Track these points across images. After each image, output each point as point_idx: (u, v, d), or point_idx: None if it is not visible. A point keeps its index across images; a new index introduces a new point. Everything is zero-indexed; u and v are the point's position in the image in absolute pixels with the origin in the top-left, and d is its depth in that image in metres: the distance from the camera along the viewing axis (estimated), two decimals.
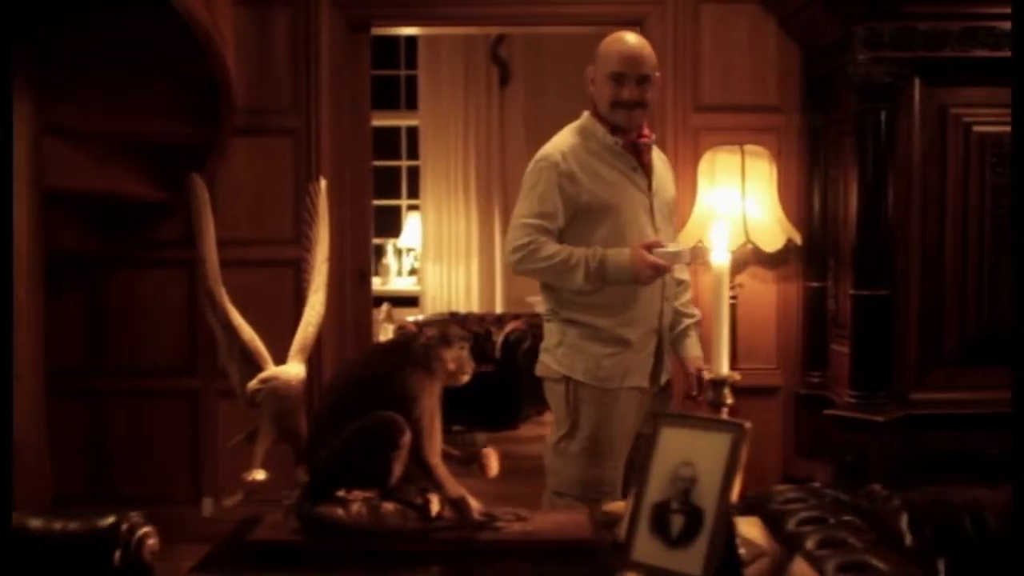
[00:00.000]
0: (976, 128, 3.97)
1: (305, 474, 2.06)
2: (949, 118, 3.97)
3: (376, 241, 8.47)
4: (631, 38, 3.02)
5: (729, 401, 1.69)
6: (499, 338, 6.91)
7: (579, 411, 2.95)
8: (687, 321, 3.14)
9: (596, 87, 2.98)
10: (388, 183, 8.55)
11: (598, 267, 2.83)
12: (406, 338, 2.15)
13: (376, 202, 8.45)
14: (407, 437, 1.96)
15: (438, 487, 2.01)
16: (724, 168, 4.15)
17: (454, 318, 7.52)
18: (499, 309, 7.78)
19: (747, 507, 2.21)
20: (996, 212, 3.97)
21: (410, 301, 8.12)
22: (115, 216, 4.33)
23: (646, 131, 3.04)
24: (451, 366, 2.05)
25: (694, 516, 1.56)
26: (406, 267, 8.47)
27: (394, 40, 8.14)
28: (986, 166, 3.97)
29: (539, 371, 3.07)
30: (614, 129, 2.95)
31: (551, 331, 3.03)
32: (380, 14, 4.59)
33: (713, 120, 4.50)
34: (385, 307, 6.23)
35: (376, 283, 8.36)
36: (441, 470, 2.01)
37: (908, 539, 2.24)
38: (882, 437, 3.86)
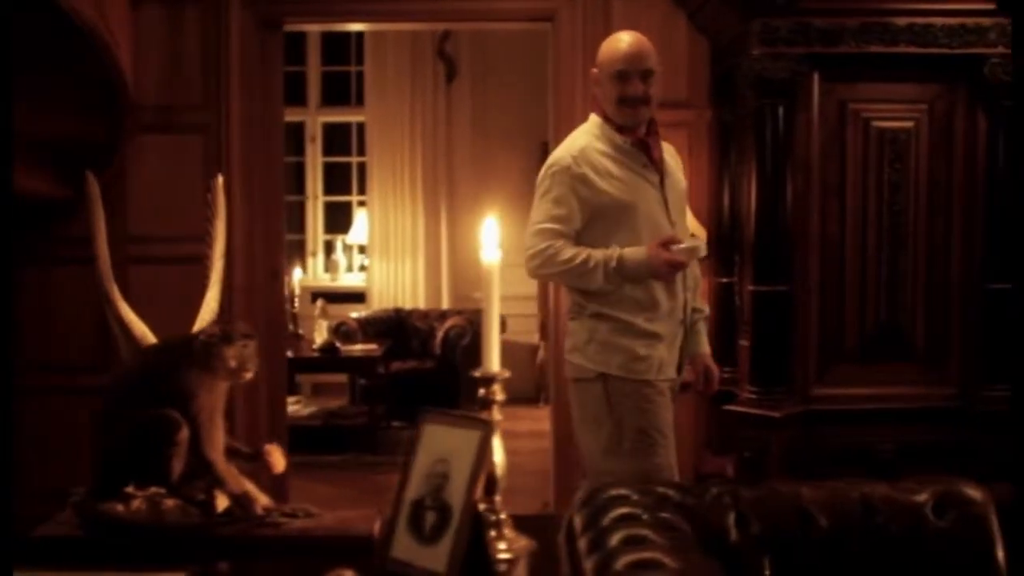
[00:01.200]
0: (875, 123, 3.98)
1: None
2: (848, 113, 3.98)
3: (326, 237, 8.49)
4: (631, 36, 3.02)
5: (499, 397, 1.69)
6: (439, 334, 6.91)
7: (621, 407, 2.90)
8: (696, 316, 3.12)
9: (601, 87, 3.00)
10: (339, 179, 8.54)
11: (616, 267, 2.83)
12: (187, 336, 2.14)
13: (327, 198, 8.50)
14: (184, 433, 1.96)
15: (219, 483, 2.00)
16: None
17: (398, 314, 7.53)
18: (445, 305, 7.78)
19: (582, 504, 2.21)
20: (894, 208, 3.98)
21: (358, 297, 8.12)
22: (23, 214, 4.31)
23: (655, 128, 3.05)
24: (232, 363, 2.03)
25: (444, 513, 1.56)
26: (356, 263, 8.46)
27: (345, 36, 8.13)
28: (884, 161, 3.98)
29: (570, 372, 3.01)
30: (621, 128, 2.96)
31: (578, 329, 2.98)
32: (291, 11, 4.58)
33: None
34: (320, 303, 6.22)
35: (326, 279, 8.38)
36: (221, 466, 2.00)
37: (734, 536, 2.25)
38: (781, 433, 3.87)
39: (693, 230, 4.20)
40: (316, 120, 8.42)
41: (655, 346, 2.91)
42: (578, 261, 2.85)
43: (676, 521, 2.14)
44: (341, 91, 8.45)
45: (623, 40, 3.00)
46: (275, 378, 4.65)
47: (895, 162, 3.96)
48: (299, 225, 8.43)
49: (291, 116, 8.38)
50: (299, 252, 8.43)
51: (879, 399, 3.96)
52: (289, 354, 6.04)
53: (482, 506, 1.82)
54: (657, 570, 1.76)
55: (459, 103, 7.97)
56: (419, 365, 6.91)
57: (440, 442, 1.62)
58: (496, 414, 1.73)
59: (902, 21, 3.86)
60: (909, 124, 3.98)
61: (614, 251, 2.85)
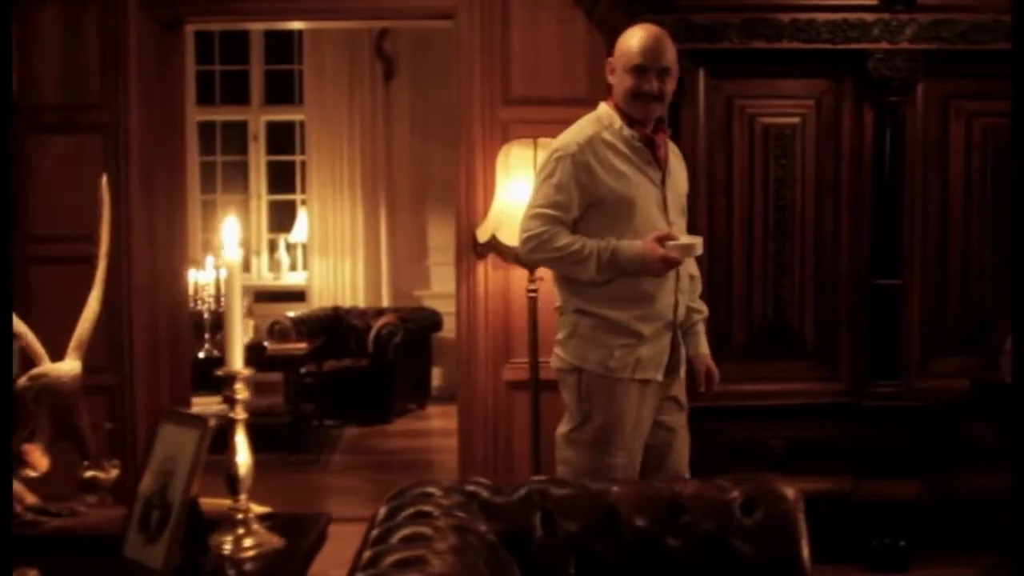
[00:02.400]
0: (761, 119, 3.99)
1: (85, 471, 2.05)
2: (735, 109, 3.99)
3: (271, 236, 8.49)
4: (652, 30, 2.99)
5: (241, 396, 1.68)
6: (372, 333, 6.91)
7: (591, 401, 2.92)
8: (696, 317, 3.12)
9: (615, 78, 2.97)
10: (285, 178, 8.53)
11: (610, 258, 2.83)
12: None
13: (271, 197, 8.49)
14: None
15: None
16: (517, 162, 4.14)
17: (336, 313, 7.52)
18: (385, 303, 7.78)
19: (389, 499, 2.23)
20: (780, 204, 3.99)
21: (299, 296, 8.12)
22: None
23: (664, 126, 3.04)
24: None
25: (166, 511, 1.56)
26: (300, 262, 8.46)
27: (288, 35, 8.12)
28: (770, 157, 3.98)
29: (553, 363, 3.04)
30: (631, 122, 2.94)
31: (563, 324, 3.01)
32: (190, 11, 4.56)
33: (523, 113, 4.48)
34: (245, 303, 6.20)
35: (269, 278, 8.38)
36: None
37: (539, 535, 2.25)
38: None
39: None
40: (259, 119, 8.41)
41: (635, 346, 2.91)
42: (573, 249, 2.85)
43: (469, 520, 2.14)
44: (285, 90, 8.44)
45: (644, 34, 2.97)
46: (177, 378, 4.65)
47: (781, 158, 3.97)
48: (243, 224, 8.42)
49: (234, 115, 8.44)
50: (243, 251, 8.42)
51: (769, 395, 3.97)
52: (215, 353, 6.06)
53: (228, 504, 1.83)
54: (415, 568, 1.77)
55: (397, 102, 7.97)
56: (353, 363, 6.91)
57: (172, 442, 1.63)
58: (240, 412, 1.73)
59: (785, 17, 3.86)
60: (795, 120, 3.98)
61: (609, 242, 2.85)
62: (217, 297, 6.16)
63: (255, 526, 1.74)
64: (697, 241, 2.94)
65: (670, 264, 2.85)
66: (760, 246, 3.98)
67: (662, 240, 2.83)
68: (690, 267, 3.09)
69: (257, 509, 1.92)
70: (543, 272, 4.34)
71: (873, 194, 3.97)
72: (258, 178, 8.42)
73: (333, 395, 6.76)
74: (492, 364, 4.52)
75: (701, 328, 3.15)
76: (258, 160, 8.40)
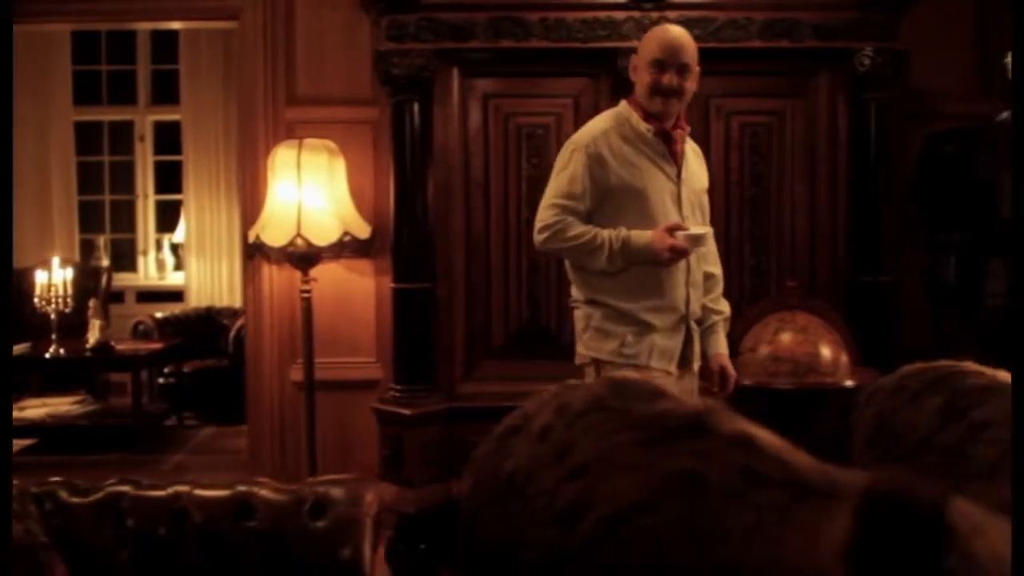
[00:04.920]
0: (517, 119, 3.98)
1: None
2: (490, 108, 3.97)
3: (157, 236, 8.48)
4: (674, 28, 3.04)
5: None
6: (232, 332, 6.90)
7: None
8: (715, 317, 3.12)
9: (637, 74, 3.01)
10: (173, 178, 8.51)
11: (621, 247, 2.86)
12: None
13: (158, 197, 8.48)
14: None
15: None
16: (283, 163, 4.12)
17: (208, 312, 7.52)
18: None
19: None
20: (533, 203, 3.95)
21: (179, 295, 8.12)
22: None
23: (683, 123, 3.06)
24: None
25: None
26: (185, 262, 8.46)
27: (174, 35, 8.10)
28: (526, 156, 3.97)
29: (576, 360, 3.06)
30: (648, 116, 2.96)
31: (577, 318, 3.05)
32: None
33: (308, 113, 4.46)
34: (93, 303, 6.20)
35: (155, 278, 8.37)
36: None
37: (96, 536, 2.25)
38: (417, 431, 3.86)
39: (347, 227, 4.20)
40: (145, 119, 8.40)
41: (648, 334, 2.93)
42: (585, 238, 2.89)
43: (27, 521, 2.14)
44: (173, 90, 8.42)
45: (666, 30, 3.03)
46: None
47: (533, 157, 3.95)
48: (131, 224, 8.43)
49: (120, 115, 8.43)
50: (130, 251, 8.43)
51: (528, 395, 3.94)
52: (62, 353, 6.06)
53: None
54: None
55: None
56: (216, 363, 6.90)
57: None
58: None
59: (533, 16, 3.84)
60: (550, 119, 3.96)
61: (620, 231, 2.88)
62: (64, 298, 6.14)
63: None
64: (707, 231, 2.97)
65: (679, 253, 2.88)
66: (515, 246, 3.96)
67: (672, 230, 2.86)
68: (707, 263, 3.11)
69: None
70: (317, 272, 4.35)
71: None
72: (145, 178, 8.41)
73: (193, 395, 6.76)
74: (278, 364, 4.51)
75: (721, 328, 3.15)
76: (145, 160, 8.39)
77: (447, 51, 3.86)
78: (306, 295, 4.23)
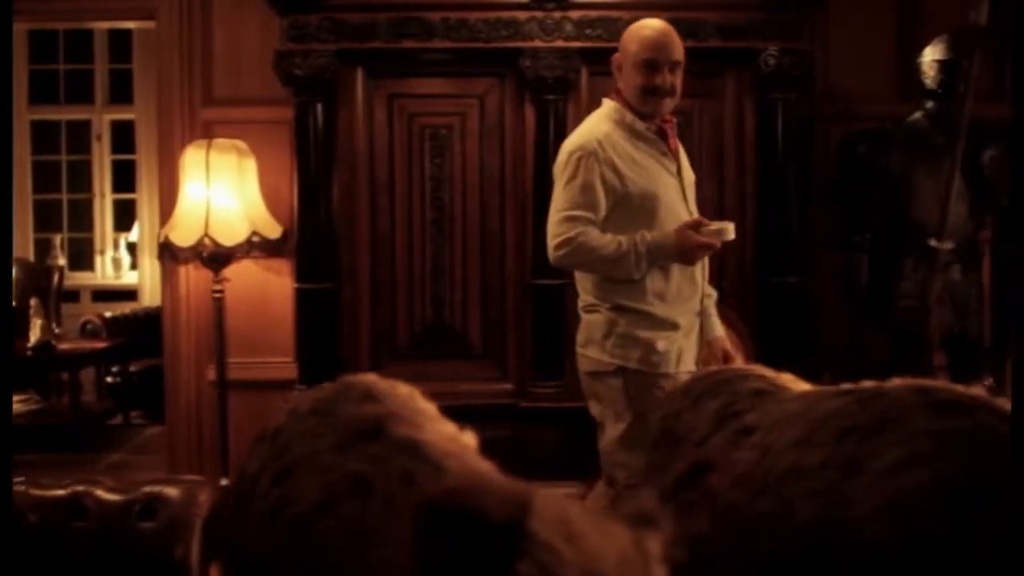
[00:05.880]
0: (422, 119, 3.98)
1: None
2: (395, 109, 3.97)
3: (115, 235, 8.48)
4: (660, 24, 2.91)
5: None
6: None
7: (643, 400, 2.79)
8: (706, 301, 3.04)
9: (623, 74, 2.89)
10: (129, 177, 8.49)
11: (647, 252, 2.76)
12: None
13: (115, 196, 8.48)
14: None
15: None
16: (192, 163, 4.12)
17: (159, 311, 7.50)
18: None
19: None
20: (437, 203, 3.97)
21: (133, 294, 8.12)
22: None
23: (670, 116, 2.96)
24: None
25: None
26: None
27: (127, 33, 8.09)
28: (431, 156, 3.97)
29: (586, 366, 2.91)
30: (640, 116, 2.88)
31: (596, 323, 2.88)
32: None
33: (226, 114, 4.46)
34: (34, 302, 6.20)
35: (111, 277, 8.37)
36: None
37: None
38: None
39: (256, 227, 4.19)
40: (102, 118, 8.39)
41: (674, 337, 2.85)
42: (609, 250, 2.76)
43: None
44: (129, 89, 8.41)
45: (652, 28, 2.88)
46: None
47: (436, 158, 3.95)
48: (88, 223, 8.44)
49: (76, 114, 8.42)
50: (88, 250, 8.43)
51: (435, 396, 3.91)
52: None
53: None
54: None
55: None
56: (162, 362, 6.88)
57: None
58: None
59: (435, 16, 3.84)
60: (455, 119, 3.96)
61: (642, 236, 2.78)
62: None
63: None
64: (729, 226, 2.86)
65: (707, 250, 2.82)
66: (420, 246, 3.96)
67: (694, 227, 2.79)
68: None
69: None
70: (234, 272, 4.35)
71: (535, 193, 3.93)
72: (102, 177, 8.41)
73: (139, 394, 6.75)
74: (195, 364, 4.51)
75: (713, 310, 3.06)
76: (102, 159, 8.39)
77: (350, 51, 3.86)
78: (218, 295, 4.23)
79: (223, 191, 4.09)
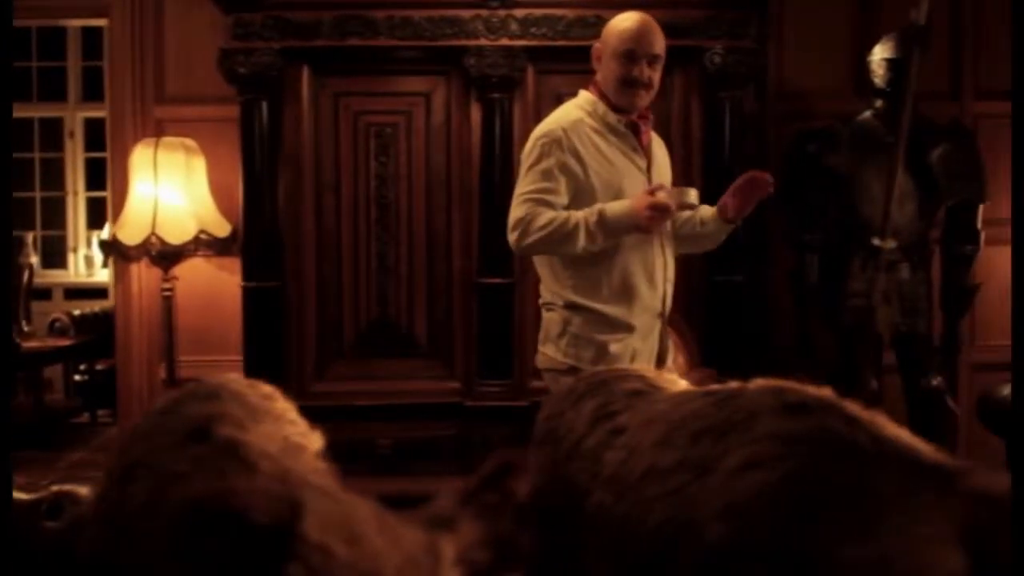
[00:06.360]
0: (367, 117, 3.97)
1: None
2: (341, 108, 3.96)
3: (89, 233, 8.47)
4: (641, 16, 2.85)
5: None
6: None
7: None
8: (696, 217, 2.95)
9: (602, 65, 2.84)
10: (100, 174, 8.46)
11: (598, 220, 2.67)
12: None
13: (89, 194, 8.47)
14: None
15: None
16: (140, 162, 4.13)
17: None
18: None
19: None
20: (382, 202, 3.96)
21: (105, 292, 8.11)
22: None
23: (647, 112, 2.91)
24: None
25: None
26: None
27: (98, 31, 8.06)
28: (376, 155, 3.96)
29: (541, 363, 2.88)
30: (615, 109, 2.83)
31: (552, 321, 2.85)
32: None
33: (178, 112, 4.46)
34: None
35: (84, 275, 8.36)
36: None
37: None
38: None
39: (203, 225, 4.19)
40: (75, 116, 8.37)
41: (628, 339, 2.81)
42: (556, 224, 2.69)
43: None
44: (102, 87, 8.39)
45: (633, 20, 2.84)
46: None
47: (381, 156, 3.94)
48: (61, 221, 8.42)
49: (49, 111, 8.41)
50: (61, 248, 8.42)
51: (382, 394, 3.95)
52: None
53: None
54: None
55: None
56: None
57: None
58: None
59: (380, 14, 3.84)
60: (400, 117, 3.96)
61: (595, 207, 2.71)
62: None
63: None
64: (691, 191, 2.76)
65: (661, 212, 2.68)
66: (366, 245, 3.96)
67: (653, 192, 2.70)
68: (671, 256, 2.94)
69: None
70: (186, 270, 4.35)
71: (481, 192, 3.94)
72: (75, 175, 8.39)
73: (106, 392, 6.73)
74: (147, 362, 4.50)
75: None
76: (75, 157, 8.37)
77: (295, 50, 3.85)
78: (168, 293, 4.23)
79: (171, 189, 4.09)
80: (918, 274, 4.13)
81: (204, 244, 4.12)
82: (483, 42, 3.85)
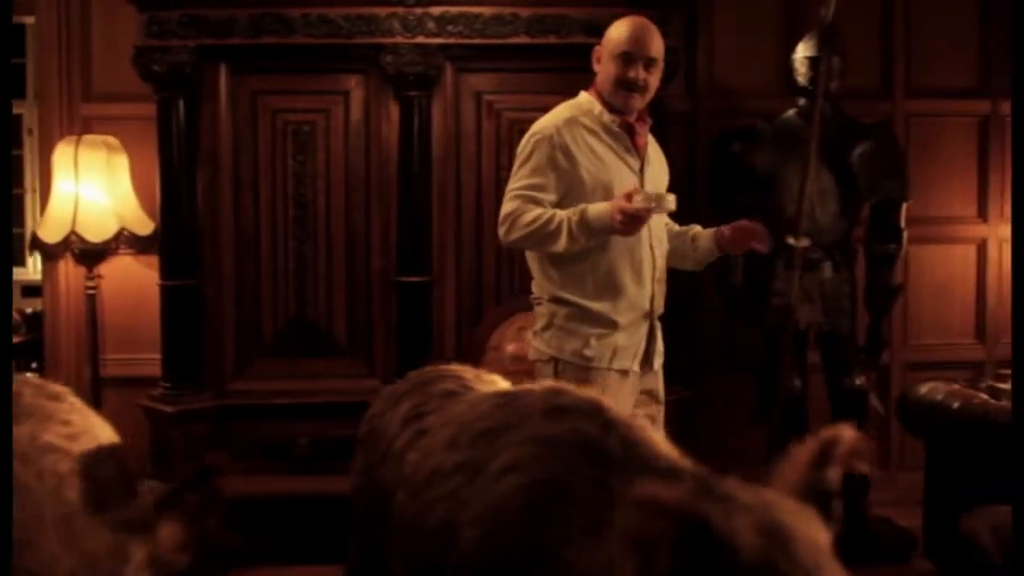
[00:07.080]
0: (285, 115, 3.97)
1: None
2: (259, 106, 3.95)
3: None
4: (640, 20, 2.92)
5: None
6: None
7: None
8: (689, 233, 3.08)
9: (601, 65, 2.91)
10: None
11: (579, 220, 2.72)
12: None
13: None
14: None
15: None
16: (61, 160, 4.11)
17: None
18: None
19: None
20: (300, 200, 3.95)
21: None
22: None
23: (646, 116, 2.97)
24: None
25: None
26: None
27: (20, 27, 8.01)
28: (294, 153, 3.95)
29: (531, 355, 2.96)
30: (611, 109, 2.88)
31: (541, 314, 2.92)
32: None
33: (105, 110, 4.44)
34: None
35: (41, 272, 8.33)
36: None
37: None
38: (182, 427, 3.84)
39: (124, 224, 4.18)
40: (34, 113, 8.35)
41: (611, 335, 2.84)
42: (542, 221, 2.75)
43: None
44: None
45: (632, 23, 2.90)
46: None
47: (298, 154, 3.93)
48: (20, 218, 8.40)
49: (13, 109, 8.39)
50: (19, 246, 8.40)
51: (300, 393, 3.94)
52: None
53: None
54: None
55: None
56: None
57: None
58: None
59: (295, 12, 3.82)
60: (319, 116, 3.95)
61: (579, 207, 2.75)
62: None
63: None
64: (669, 196, 2.73)
65: (635, 219, 2.68)
66: (284, 243, 3.95)
67: (630, 195, 2.70)
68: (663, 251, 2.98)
69: None
70: (104, 269, 4.33)
71: (400, 190, 3.93)
72: (33, 172, 8.36)
73: None
74: (75, 361, 4.49)
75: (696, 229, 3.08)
76: (33, 154, 8.35)
77: (211, 48, 3.83)
78: (91, 291, 4.22)
79: (92, 187, 4.08)
80: (841, 273, 4.13)
81: (126, 242, 4.11)
82: (400, 40, 3.83)
